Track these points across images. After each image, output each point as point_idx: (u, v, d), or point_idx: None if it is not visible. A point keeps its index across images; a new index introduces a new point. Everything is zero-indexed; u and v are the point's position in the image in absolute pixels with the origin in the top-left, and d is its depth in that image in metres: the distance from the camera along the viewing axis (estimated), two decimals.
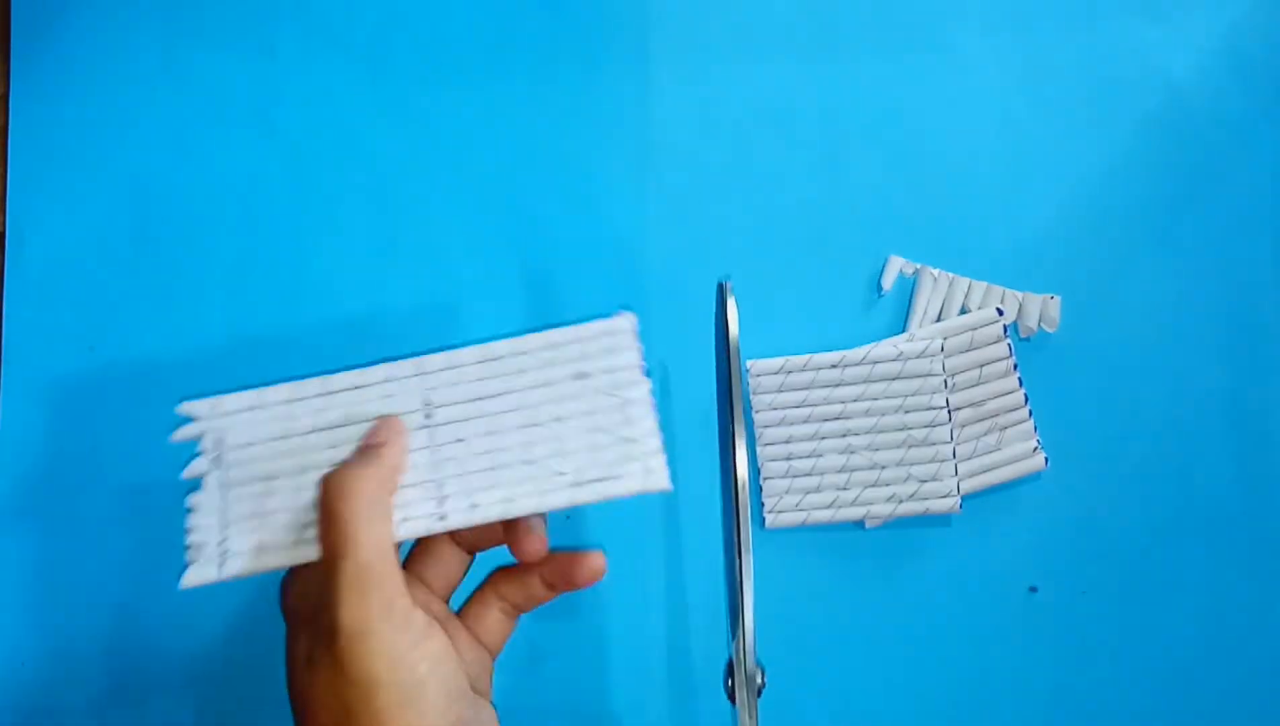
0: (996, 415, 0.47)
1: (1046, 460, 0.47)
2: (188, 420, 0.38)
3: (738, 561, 0.38)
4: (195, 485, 0.38)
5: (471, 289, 0.49)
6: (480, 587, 0.41)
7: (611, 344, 0.40)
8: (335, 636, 0.33)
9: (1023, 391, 0.47)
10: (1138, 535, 0.48)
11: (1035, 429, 0.47)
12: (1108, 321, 0.49)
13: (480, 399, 0.40)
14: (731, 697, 0.38)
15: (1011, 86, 0.50)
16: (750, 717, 0.38)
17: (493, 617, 0.41)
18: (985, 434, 0.47)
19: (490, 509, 0.38)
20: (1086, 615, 0.48)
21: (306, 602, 0.36)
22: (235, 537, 0.37)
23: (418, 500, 0.38)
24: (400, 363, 0.39)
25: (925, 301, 0.48)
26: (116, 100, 0.49)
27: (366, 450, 0.38)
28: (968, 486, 0.46)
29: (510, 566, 0.41)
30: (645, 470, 0.38)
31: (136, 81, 0.49)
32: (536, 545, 0.39)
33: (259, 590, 0.47)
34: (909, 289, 0.49)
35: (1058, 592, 0.48)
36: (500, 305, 0.49)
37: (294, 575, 0.37)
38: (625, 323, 0.39)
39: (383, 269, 0.49)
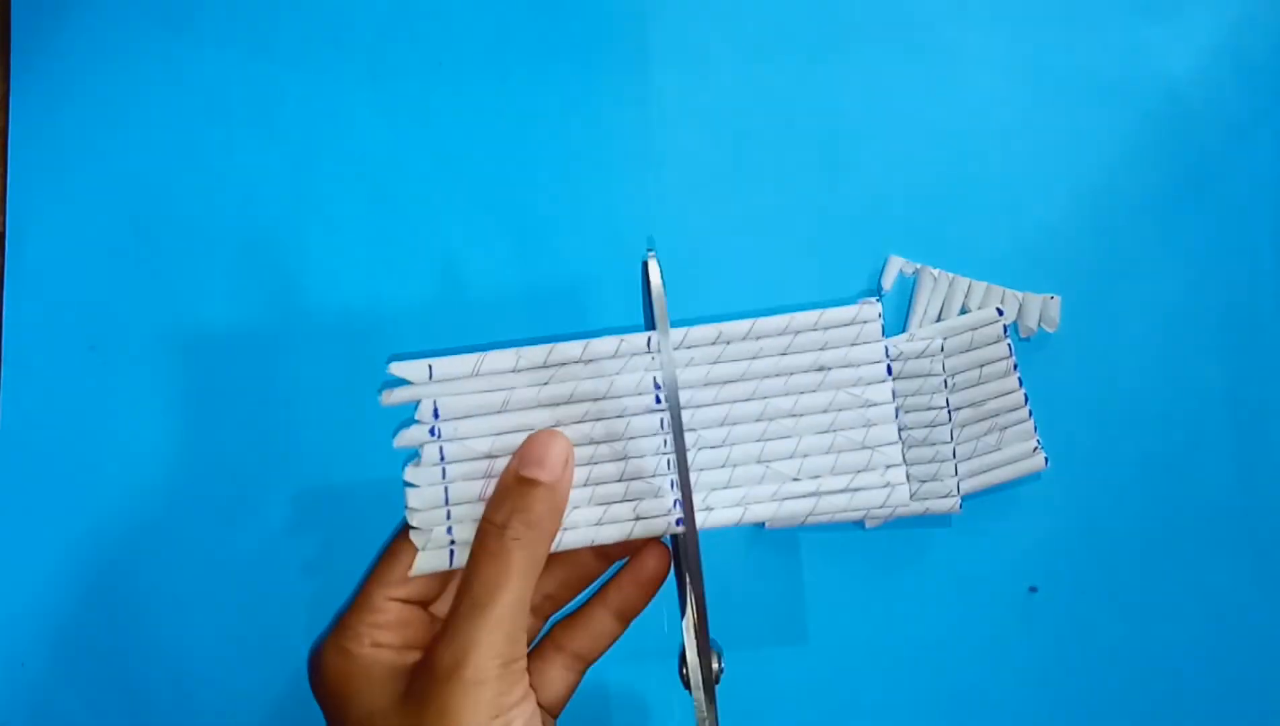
0: (996, 415, 0.47)
1: (1047, 460, 0.47)
2: (399, 381, 0.36)
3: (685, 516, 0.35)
4: (409, 454, 0.36)
5: (472, 288, 0.49)
6: (538, 644, 0.40)
7: (855, 334, 0.37)
8: (448, 678, 0.34)
9: (1023, 391, 0.47)
10: (1138, 535, 0.48)
11: (1035, 429, 0.47)
12: (1108, 321, 0.49)
13: (713, 384, 0.37)
14: (685, 684, 0.37)
15: (1012, 86, 0.50)
16: (709, 703, 0.36)
17: (554, 674, 0.40)
18: (985, 434, 0.47)
19: (726, 513, 0.35)
20: (1086, 615, 0.48)
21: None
22: (462, 527, 0.36)
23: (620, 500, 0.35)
24: (630, 337, 0.36)
25: (925, 301, 0.48)
26: (116, 99, 0.49)
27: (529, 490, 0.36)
28: (968, 486, 0.46)
29: (567, 616, 0.40)
30: (886, 486, 0.36)
31: (136, 81, 0.49)
32: (665, 560, 0.39)
33: (258, 591, 0.47)
34: (909, 289, 0.49)
35: (1058, 592, 0.48)
36: (501, 305, 0.49)
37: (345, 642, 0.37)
38: (872, 311, 0.37)
39: (383, 267, 0.49)
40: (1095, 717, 0.47)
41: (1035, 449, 0.47)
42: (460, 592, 0.36)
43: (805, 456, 0.37)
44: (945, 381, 0.46)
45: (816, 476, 0.37)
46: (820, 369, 0.37)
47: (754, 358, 0.36)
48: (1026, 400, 0.47)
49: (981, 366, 0.47)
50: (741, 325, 0.36)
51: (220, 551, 0.47)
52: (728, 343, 0.36)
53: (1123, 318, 0.49)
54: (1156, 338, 0.49)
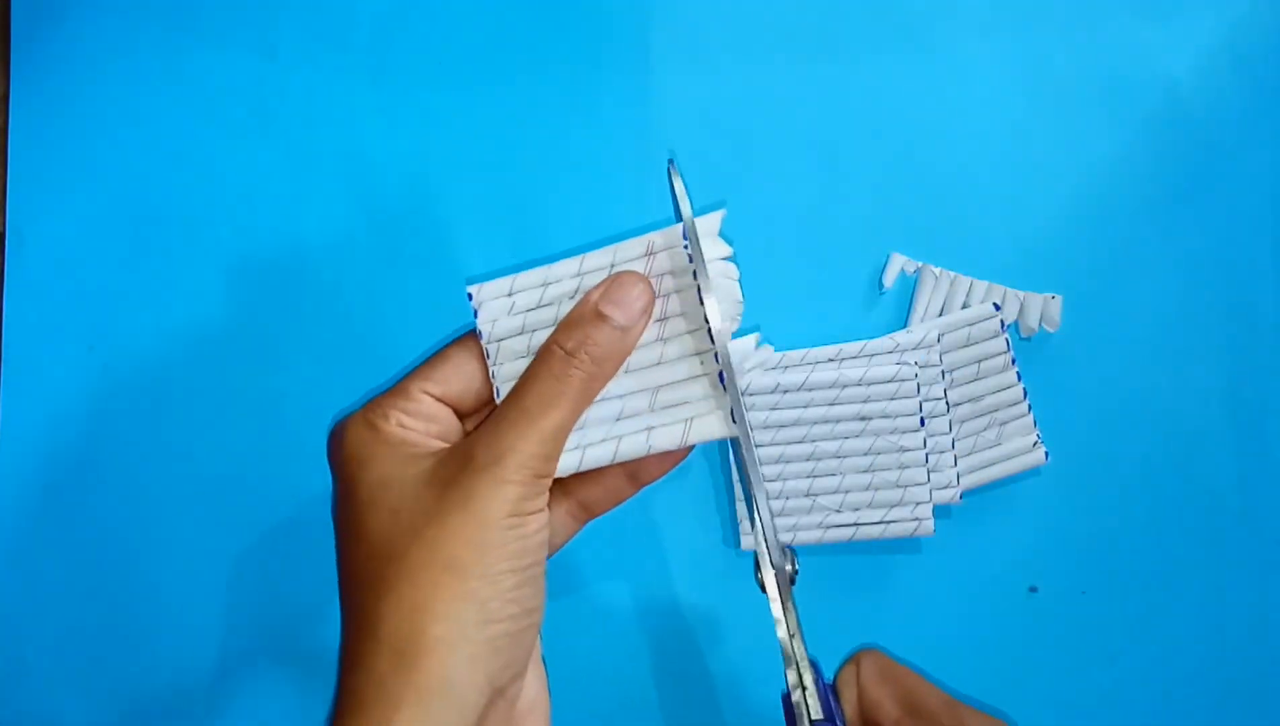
0: (995, 410, 0.47)
1: (1047, 454, 0.47)
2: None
3: (741, 435, 0.36)
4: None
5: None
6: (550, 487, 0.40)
7: (894, 391, 0.45)
8: (482, 470, 0.35)
9: (1021, 386, 0.47)
10: (1138, 534, 0.48)
11: (1035, 424, 0.47)
12: (1109, 321, 0.49)
13: (770, 428, 0.45)
14: (762, 588, 0.38)
15: (1012, 86, 0.50)
16: (784, 602, 0.37)
17: (557, 516, 0.41)
18: (984, 429, 0.47)
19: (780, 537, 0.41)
20: (1086, 615, 0.48)
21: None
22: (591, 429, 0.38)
23: None
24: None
25: (926, 299, 0.48)
26: (116, 100, 0.50)
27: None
28: (968, 482, 0.46)
29: None
30: (914, 519, 0.45)
31: (136, 81, 0.50)
32: (686, 449, 0.40)
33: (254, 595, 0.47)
34: (910, 287, 0.49)
35: (1058, 592, 0.48)
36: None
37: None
38: (909, 372, 0.44)
39: (383, 268, 0.49)
40: (1095, 717, 0.47)
41: (1035, 444, 0.47)
42: (510, 400, 0.37)
43: (847, 492, 0.45)
44: (943, 373, 0.46)
45: (856, 509, 0.45)
46: (862, 419, 0.45)
47: (806, 407, 0.45)
48: (1025, 395, 0.47)
49: (980, 362, 0.47)
50: (798, 375, 0.45)
51: (222, 551, 0.47)
52: (784, 392, 0.44)
53: (1123, 317, 0.49)
54: (1156, 337, 0.49)
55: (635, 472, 0.41)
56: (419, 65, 0.50)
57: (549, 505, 0.39)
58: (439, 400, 0.38)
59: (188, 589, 0.47)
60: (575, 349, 0.36)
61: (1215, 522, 0.48)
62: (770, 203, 0.49)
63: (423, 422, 0.38)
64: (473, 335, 0.38)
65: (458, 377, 0.38)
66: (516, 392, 0.37)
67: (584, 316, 0.37)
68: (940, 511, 0.47)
